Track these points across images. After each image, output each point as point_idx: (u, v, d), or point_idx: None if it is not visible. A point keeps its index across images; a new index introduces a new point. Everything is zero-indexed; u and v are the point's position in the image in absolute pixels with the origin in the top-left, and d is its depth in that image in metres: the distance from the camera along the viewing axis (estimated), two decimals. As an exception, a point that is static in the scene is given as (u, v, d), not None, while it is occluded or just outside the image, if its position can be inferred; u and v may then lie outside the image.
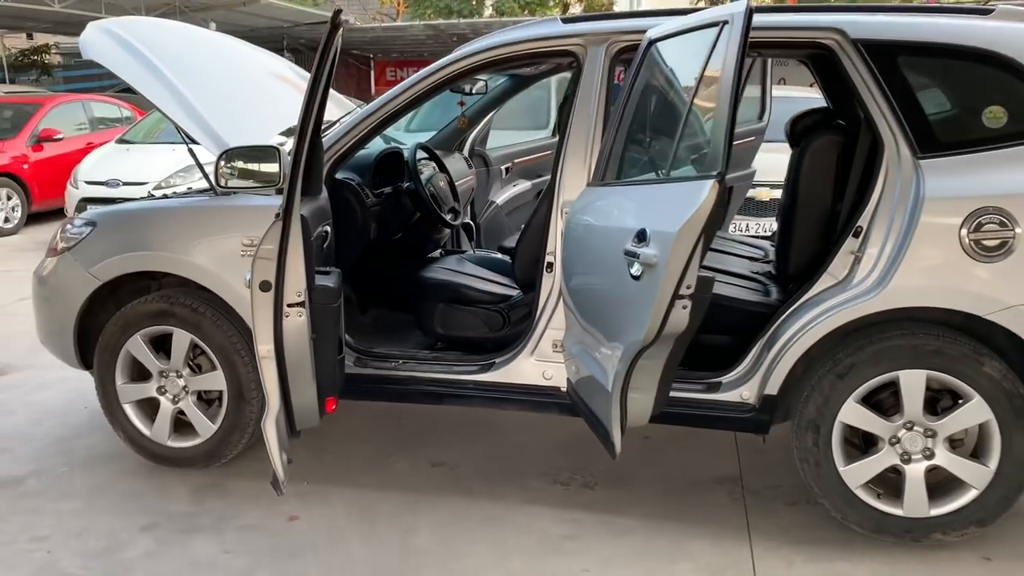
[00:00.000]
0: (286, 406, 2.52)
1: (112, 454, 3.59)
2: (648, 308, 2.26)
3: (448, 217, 3.90)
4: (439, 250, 4.14)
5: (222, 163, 2.85)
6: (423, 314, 3.44)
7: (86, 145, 9.94)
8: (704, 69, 2.41)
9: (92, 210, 3.61)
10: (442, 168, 4.06)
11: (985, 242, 2.63)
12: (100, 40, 3.47)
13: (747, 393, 2.95)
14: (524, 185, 4.99)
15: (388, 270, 3.72)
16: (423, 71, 3.19)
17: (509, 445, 3.69)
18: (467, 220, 4.38)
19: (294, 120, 3.36)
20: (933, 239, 2.69)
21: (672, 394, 2.98)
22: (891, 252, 2.73)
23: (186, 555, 2.87)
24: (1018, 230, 2.61)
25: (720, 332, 3.17)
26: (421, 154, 3.98)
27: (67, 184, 8.52)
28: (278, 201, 2.58)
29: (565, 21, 3.17)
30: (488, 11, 27.85)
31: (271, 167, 2.90)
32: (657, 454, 3.60)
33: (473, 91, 3.75)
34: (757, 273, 3.57)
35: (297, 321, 2.41)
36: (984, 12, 2.85)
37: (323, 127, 3.23)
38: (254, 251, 2.37)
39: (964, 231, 2.64)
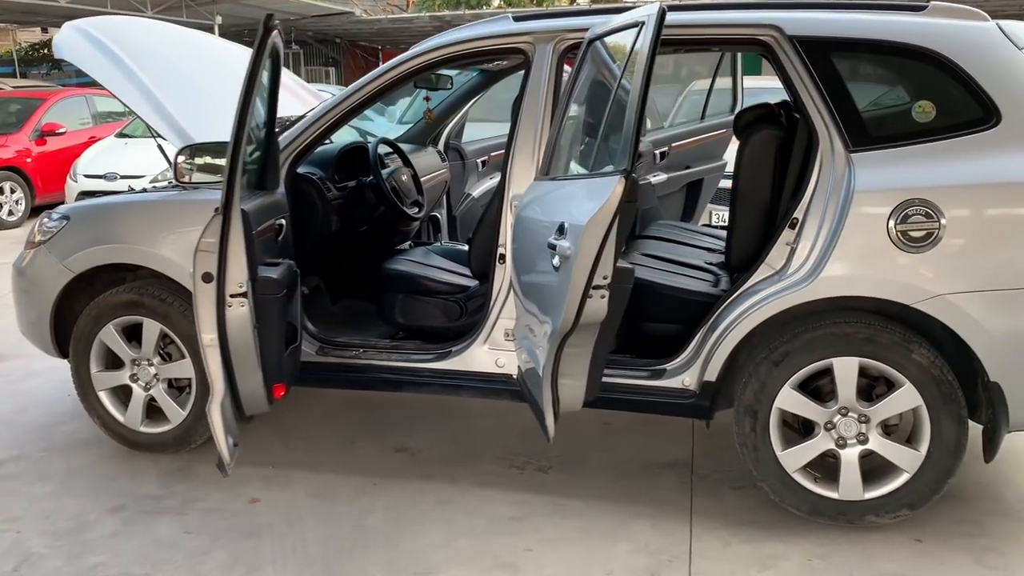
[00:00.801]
0: (232, 392, 2.65)
1: (90, 440, 3.73)
2: (565, 297, 2.36)
3: (412, 211, 4.01)
4: (408, 242, 4.25)
5: (181, 159, 2.97)
6: (384, 304, 3.56)
7: (89, 139, 10.11)
8: (624, 68, 2.50)
9: (67, 204, 3.74)
10: (407, 162, 4.17)
11: (912, 233, 2.71)
12: (73, 39, 3.60)
13: (688, 380, 3.05)
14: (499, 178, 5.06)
15: (355, 262, 3.83)
16: (378, 69, 3.30)
17: (472, 431, 3.81)
18: (435, 213, 4.47)
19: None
20: (862, 230, 2.77)
21: (618, 380, 3.11)
22: (823, 243, 2.82)
23: (148, 535, 3.00)
24: (943, 221, 2.69)
25: (669, 321, 3.27)
26: (386, 149, 4.09)
27: (67, 178, 8.69)
28: (257, 197, 2.71)
29: (516, 19, 3.26)
30: (496, 2, 27.92)
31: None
32: (614, 439, 3.71)
33: (437, 87, 3.84)
34: (711, 264, 3.66)
35: (240, 311, 2.53)
36: (918, 8, 2.92)
37: (292, 121, 3.35)
38: (195, 244, 2.50)
39: (892, 222, 2.73)
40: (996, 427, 2.83)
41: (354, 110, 3.31)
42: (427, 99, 4.34)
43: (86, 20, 3.81)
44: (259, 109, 2.88)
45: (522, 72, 3.20)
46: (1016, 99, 2.73)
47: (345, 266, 3.91)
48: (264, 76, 2.72)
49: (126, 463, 3.54)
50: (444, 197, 4.98)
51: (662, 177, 4.76)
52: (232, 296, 2.51)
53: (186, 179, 2.98)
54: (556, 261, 2.44)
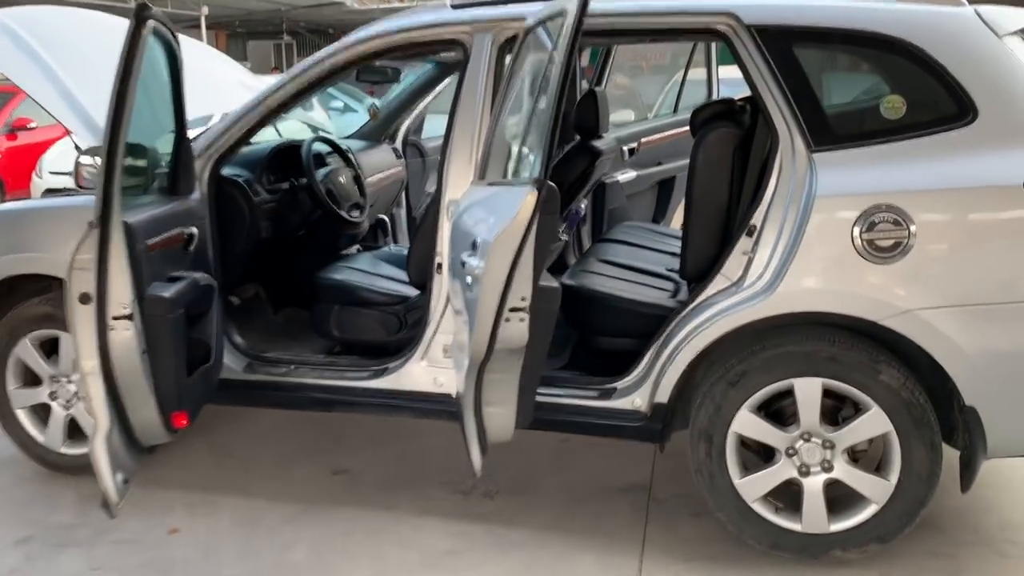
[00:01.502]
0: (123, 423, 2.40)
1: (9, 461, 3.49)
2: (476, 322, 2.11)
3: (353, 214, 3.75)
4: (356, 246, 3.99)
5: (83, 160, 2.72)
6: (318, 316, 3.31)
7: (62, 134, 9.84)
8: (547, 63, 2.24)
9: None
10: (348, 162, 3.91)
11: (879, 242, 2.46)
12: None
13: (639, 400, 2.80)
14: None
15: (295, 268, 3.58)
16: (303, 63, 3.05)
17: (420, 450, 3.56)
18: (391, 214, 4.21)
19: (203, 110, 3.24)
20: (824, 239, 2.52)
21: (563, 401, 2.87)
22: (782, 253, 2.56)
23: (51, 570, 2.76)
24: (913, 228, 2.43)
25: (622, 335, 3.03)
26: (324, 147, 3.83)
27: (32, 174, 8.44)
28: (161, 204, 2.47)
29: (455, 7, 3.00)
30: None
31: (137, 163, 2.76)
32: (570, 459, 3.45)
33: (383, 80, 3.59)
34: (674, 271, 3.40)
35: (124, 335, 2.28)
36: (887, -8, 2.66)
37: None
38: (68, 262, 2.24)
39: (857, 230, 2.47)
40: (973, 454, 2.58)
41: (279, 107, 3.06)
42: (371, 92, 4.08)
43: (5, 11, 3.56)
44: (162, 110, 2.63)
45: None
46: (994, 93, 2.47)
47: (285, 273, 3.67)
48: (163, 73, 2.47)
49: (44, 486, 3.30)
50: (403, 197, 4.73)
51: (631, 175, 4.49)
52: (115, 319, 2.26)
53: (89, 183, 2.72)
54: (468, 280, 2.19)
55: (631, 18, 2.75)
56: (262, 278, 3.75)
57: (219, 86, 3.84)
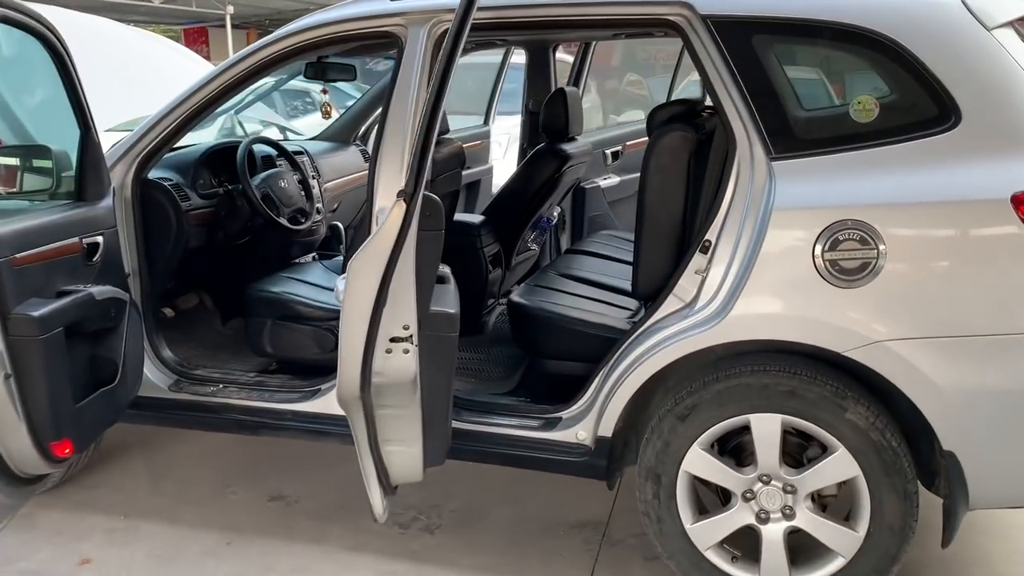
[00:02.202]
0: (-10, 454, 2.19)
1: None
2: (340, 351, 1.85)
3: (302, 221, 3.51)
4: (312, 255, 3.76)
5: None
6: (251, 331, 3.08)
7: None
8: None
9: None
10: (294, 165, 3.67)
11: (843, 263, 2.16)
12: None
13: (583, 433, 2.53)
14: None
15: (240, 278, 3.35)
16: (234, 57, 2.81)
17: (367, 474, 3.30)
18: (336, 223, 3.96)
19: (139, 110, 3.01)
20: (782, 258, 2.22)
21: (501, 431, 2.61)
22: (736, 273, 2.27)
23: (-58, 606, 2.57)
24: (883, 248, 2.13)
25: (571, 359, 2.75)
26: (266, 149, 3.59)
27: None
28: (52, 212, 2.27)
29: None
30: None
31: (43, 167, 2.55)
32: (526, 489, 3.18)
33: (334, 77, 3.34)
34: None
35: (-18, 359, 2.07)
36: (864, -19, 2.34)
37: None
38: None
39: (819, 249, 2.17)
40: (954, 505, 2.27)
41: (207, 105, 2.83)
42: (324, 91, 3.84)
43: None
44: (60, 111, 2.42)
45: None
46: (980, 94, 2.15)
47: (231, 282, 3.44)
48: (48, 71, 2.26)
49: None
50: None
51: (614, 180, 4.21)
52: (-31, 340, 2.05)
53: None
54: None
55: (578, 9, 2.47)
56: (208, 287, 3.53)
57: (173, 81, 3.62)
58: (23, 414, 2.17)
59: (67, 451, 2.32)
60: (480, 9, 2.40)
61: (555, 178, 3.45)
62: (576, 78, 4.25)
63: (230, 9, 17.13)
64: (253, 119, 5.58)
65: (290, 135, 5.09)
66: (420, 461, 2.16)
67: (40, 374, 2.16)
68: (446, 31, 2.54)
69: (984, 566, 2.69)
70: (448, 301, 2.07)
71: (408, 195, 1.78)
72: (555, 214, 3.80)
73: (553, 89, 3.71)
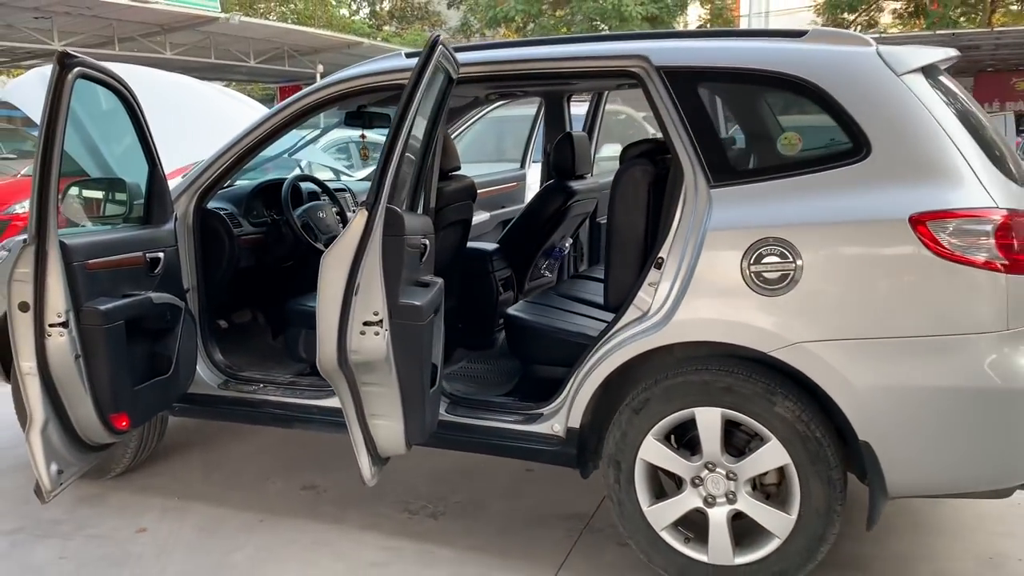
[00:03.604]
0: (62, 420, 2.70)
1: (28, 465, 3.87)
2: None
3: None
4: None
5: (70, 194, 3.07)
6: (289, 340, 3.57)
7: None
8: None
9: (14, 238, 3.95)
10: (333, 200, 4.20)
11: (766, 274, 2.50)
12: (28, 85, 3.83)
13: (557, 426, 2.90)
14: (483, 216, 5.03)
15: (285, 297, 3.87)
16: (275, 107, 3.35)
17: (389, 469, 3.67)
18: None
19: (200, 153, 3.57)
20: (715, 271, 2.58)
21: (491, 424, 3.00)
22: (680, 285, 2.63)
23: (25, 558, 3.08)
24: (800, 262, 2.47)
25: (552, 363, 3.14)
26: (311, 186, 4.13)
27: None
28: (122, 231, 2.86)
29: (409, 55, 3.24)
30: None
31: (120, 198, 3.11)
32: (527, 487, 3.56)
33: (370, 125, 3.85)
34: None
35: (59, 341, 2.59)
36: (797, 35, 2.72)
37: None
38: (9, 274, 2.58)
39: (745, 263, 2.52)
40: (873, 492, 2.55)
41: (253, 148, 3.35)
42: (363, 136, 4.37)
43: (50, 67, 4.05)
44: (133, 150, 2.98)
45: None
46: (888, 130, 2.49)
47: (279, 301, 3.95)
48: (122, 116, 2.82)
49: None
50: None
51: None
52: (51, 325, 2.58)
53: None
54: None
55: (551, 63, 2.92)
56: (261, 305, 4.06)
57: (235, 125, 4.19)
58: (88, 388, 2.69)
59: (124, 424, 2.83)
60: (472, 64, 2.89)
61: (562, 211, 3.87)
62: (591, 124, 4.69)
63: (320, 68, 18.29)
64: (323, 166, 6.23)
65: (343, 177, 5.67)
66: (403, 435, 2.57)
67: (103, 357, 2.68)
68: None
69: (929, 562, 2.92)
70: (419, 297, 2.49)
71: (369, 205, 2.24)
72: (567, 244, 4.21)
73: (570, 133, 4.14)
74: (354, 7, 30.64)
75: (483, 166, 5.57)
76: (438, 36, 2.44)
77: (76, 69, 2.55)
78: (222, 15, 14.48)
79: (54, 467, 2.68)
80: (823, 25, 23.87)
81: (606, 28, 22.12)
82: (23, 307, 2.54)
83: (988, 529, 3.13)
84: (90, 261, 2.68)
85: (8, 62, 19.14)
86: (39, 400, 2.59)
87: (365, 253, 2.26)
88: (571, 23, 22.51)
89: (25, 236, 2.67)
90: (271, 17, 25.26)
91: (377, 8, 31.08)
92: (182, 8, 13.78)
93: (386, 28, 29.76)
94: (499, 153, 6.23)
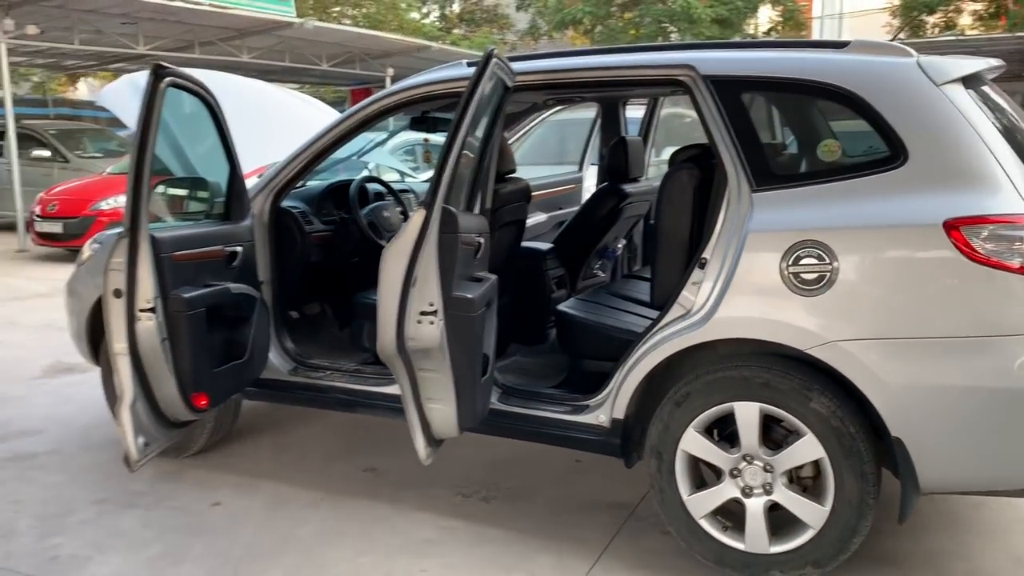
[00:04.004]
0: (149, 398, 2.96)
1: (118, 441, 4.16)
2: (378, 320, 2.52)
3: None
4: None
5: (158, 192, 3.35)
6: (355, 331, 3.79)
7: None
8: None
9: (104, 232, 4.28)
10: (398, 200, 4.42)
11: (804, 275, 2.62)
12: (121, 90, 4.14)
13: (602, 416, 3.05)
14: (540, 217, 5.21)
15: (353, 291, 4.10)
16: (344, 114, 3.58)
17: (445, 457, 3.89)
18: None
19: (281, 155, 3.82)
20: (755, 272, 2.70)
21: (541, 413, 3.17)
22: (721, 284, 2.76)
23: (112, 525, 3.36)
24: (836, 264, 2.58)
25: (600, 358, 3.29)
26: (377, 187, 4.36)
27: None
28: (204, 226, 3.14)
29: (469, 64, 3.43)
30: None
31: (202, 196, 3.38)
32: (575, 477, 3.72)
33: (434, 129, 4.06)
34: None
35: (147, 325, 2.84)
36: (840, 45, 2.83)
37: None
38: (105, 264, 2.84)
39: (784, 264, 2.64)
40: (905, 486, 2.64)
41: (325, 151, 3.58)
42: (426, 140, 4.58)
43: (140, 74, 4.35)
44: (215, 153, 3.24)
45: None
46: (926, 138, 2.58)
47: (347, 295, 4.19)
48: (207, 121, 3.08)
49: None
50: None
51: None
52: (141, 311, 2.83)
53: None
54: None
55: (602, 72, 3.08)
56: (330, 299, 4.30)
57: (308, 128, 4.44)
58: (172, 369, 2.94)
59: (203, 403, 3.08)
60: (528, 73, 3.06)
61: (614, 213, 4.02)
62: (646, 128, 4.82)
63: (390, 72, 18.66)
64: (390, 168, 6.50)
65: (407, 178, 5.91)
66: (455, 419, 2.76)
67: (186, 341, 2.93)
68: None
69: (965, 560, 2.99)
70: (472, 291, 2.67)
71: (427, 205, 2.43)
72: (620, 245, 4.35)
73: (624, 137, 4.29)
74: (424, 10, 31.06)
75: (543, 168, 5.75)
76: (492, 49, 2.63)
77: (167, 79, 2.81)
78: (297, 20, 14.91)
79: (141, 439, 2.95)
80: (900, 27, 23.46)
81: (675, 30, 22.07)
82: (117, 294, 2.80)
83: (1027, 531, 3.18)
84: (176, 253, 2.94)
85: (95, 65, 20.01)
86: (129, 378, 2.86)
87: (422, 249, 2.46)
88: (639, 25, 22.47)
89: (118, 229, 2.95)
90: (344, 21, 25.85)
91: (447, 11, 31.46)
92: (259, 13, 14.25)
93: (455, 31, 30.11)
94: (560, 156, 6.40)
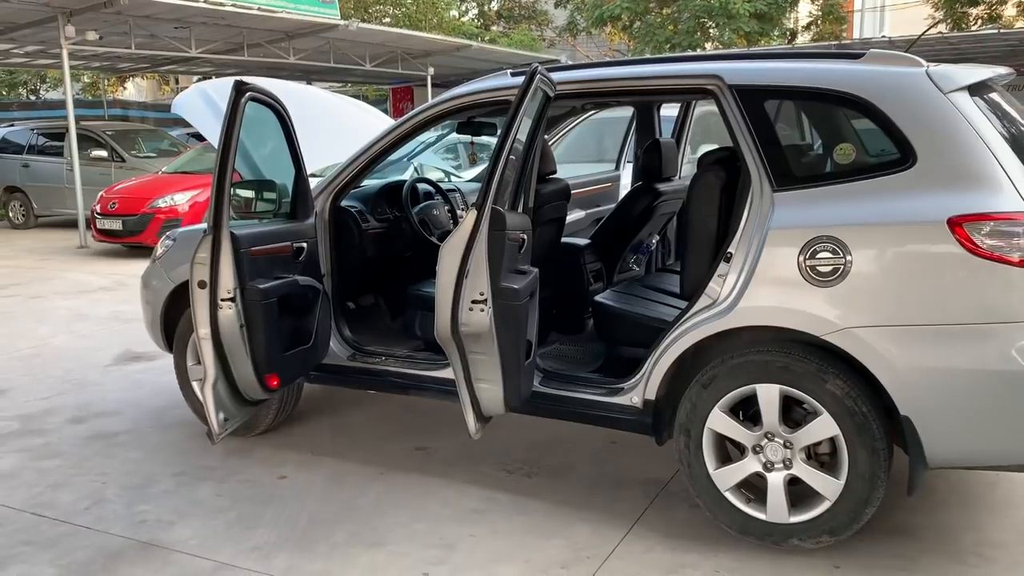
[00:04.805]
0: (228, 378, 3.30)
1: (186, 422, 4.55)
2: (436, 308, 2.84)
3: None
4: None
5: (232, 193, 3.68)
6: (408, 320, 4.11)
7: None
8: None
9: (177, 229, 4.64)
10: (445, 199, 4.73)
11: (820, 268, 2.87)
12: (193, 99, 4.50)
13: (636, 398, 3.33)
14: (578, 214, 5.49)
15: (405, 284, 4.42)
16: (399, 120, 3.89)
17: (490, 438, 4.18)
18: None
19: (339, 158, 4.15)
20: (775, 265, 2.95)
21: (578, 395, 3.45)
22: (745, 276, 3.02)
23: (190, 495, 3.72)
24: (850, 258, 2.83)
25: (635, 345, 3.57)
26: (426, 187, 4.68)
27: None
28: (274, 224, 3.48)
29: (513, 74, 3.71)
30: (711, 45, 27.93)
31: (271, 197, 3.71)
32: (611, 456, 4.00)
33: (479, 133, 4.35)
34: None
35: (228, 313, 3.17)
36: (856, 56, 3.07)
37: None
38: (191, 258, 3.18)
39: (802, 258, 2.89)
40: (913, 462, 2.88)
41: (380, 155, 3.90)
42: (472, 144, 4.88)
43: (209, 82, 4.72)
44: (283, 157, 3.57)
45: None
46: (932, 142, 2.82)
47: (399, 288, 4.51)
48: (277, 129, 3.42)
49: (203, 441, 4.28)
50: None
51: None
52: (222, 300, 3.17)
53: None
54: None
55: (635, 81, 3.35)
56: (382, 291, 4.63)
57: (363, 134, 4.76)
58: (249, 352, 3.28)
59: (275, 383, 3.42)
60: (568, 82, 3.34)
61: (648, 210, 4.28)
62: (679, 130, 5.08)
63: (431, 71, 19.04)
64: (435, 168, 6.85)
65: (453, 178, 6.23)
66: (502, 397, 3.05)
67: (262, 327, 3.27)
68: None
69: (975, 532, 3.22)
70: (517, 282, 2.96)
71: (478, 206, 2.73)
72: (654, 241, 4.61)
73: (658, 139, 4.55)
74: (463, 8, 31.42)
75: (584, 166, 6.02)
76: (536, 66, 2.91)
77: (248, 94, 3.14)
78: (342, 22, 15.33)
79: (221, 415, 3.29)
80: (942, 20, 23.25)
81: (713, 26, 22.12)
82: (201, 285, 3.14)
83: (1037, 508, 3.39)
84: (252, 248, 3.28)
85: (148, 67, 20.67)
86: (211, 360, 3.20)
87: (474, 245, 2.76)
88: (677, 21, 22.57)
89: (197, 227, 3.29)
90: (385, 20, 26.27)
91: (485, 8, 31.78)
92: (305, 16, 14.69)
93: (493, 28, 30.42)
94: (598, 154, 6.66)
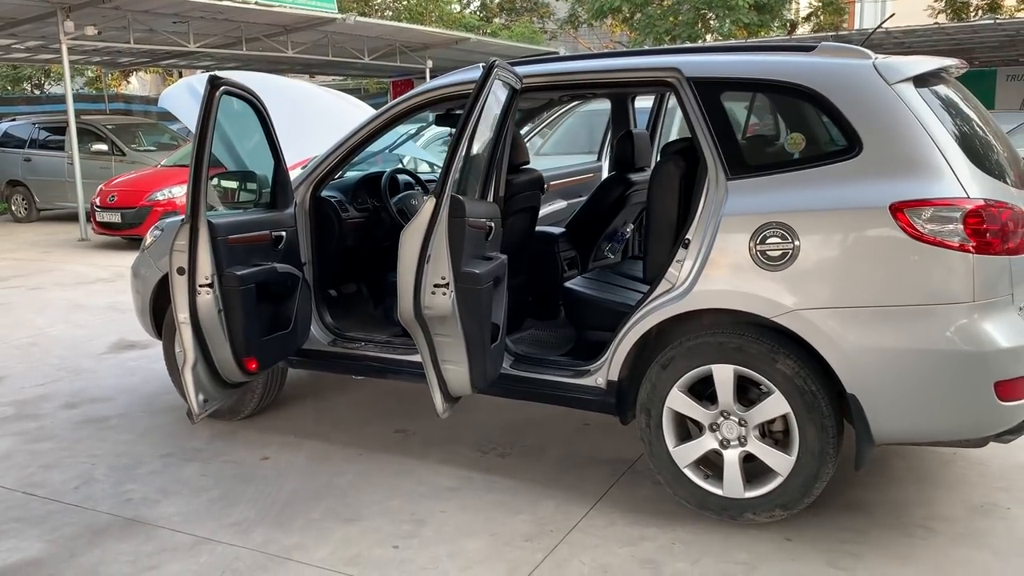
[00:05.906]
0: (207, 361, 3.44)
1: (176, 407, 4.70)
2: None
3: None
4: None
5: (213, 184, 3.82)
6: (388, 307, 4.24)
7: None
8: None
9: (164, 220, 4.78)
10: (425, 190, 4.86)
11: (770, 253, 3.00)
12: (180, 93, 4.63)
13: (600, 379, 3.46)
14: (559, 204, 5.62)
15: (385, 273, 4.55)
16: (376, 112, 4.02)
17: (467, 421, 4.36)
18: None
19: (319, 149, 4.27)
20: (728, 250, 3.08)
21: (547, 377, 3.59)
22: (700, 261, 3.15)
23: (176, 474, 3.86)
24: (798, 243, 2.95)
25: (601, 328, 3.70)
26: (406, 178, 4.80)
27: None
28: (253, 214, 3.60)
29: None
30: (711, 36, 27.96)
31: (250, 187, 3.85)
32: (581, 437, 4.14)
33: (452, 125, 4.47)
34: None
35: (206, 298, 3.31)
36: (808, 49, 3.18)
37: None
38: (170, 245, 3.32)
39: (752, 243, 3.02)
40: (860, 438, 3.01)
41: (359, 146, 4.03)
42: (450, 135, 4.98)
43: (196, 76, 4.85)
44: (262, 149, 3.70)
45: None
46: (877, 131, 2.94)
47: (380, 276, 4.65)
48: (254, 122, 3.55)
49: (190, 424, 4.44)
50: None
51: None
52: (200, 286, 3.30)
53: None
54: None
55: (596, 74, 3.47)
56: (365, 279, 4.76)
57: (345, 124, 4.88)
58: (227, 336, 3.42)
59: (253, 366, 3.56)
60: (536, 76, 3.46)
61: (622, 200, 4.41)
62: (653, 121, 5.20)
63: (429, 64, 19.16)
64: (422, 160, 6.98)
65: (437, 169, 6.36)
66: (468, 378, 3.19)
67: (239, 312, 3.40)
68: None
69: (925, 508, 3.35)
70: (479, 267, 3.08)
71: (436, 194, 2.86)
72: (628, 229, 4.74)
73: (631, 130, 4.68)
74: (464, 1, 31.49)
75: (565, 158, 6.14)
76: (495, 61, 3.03)
77: (222, 88, 3.28)
78: (339, 16, 15.44)
79: (201, 397, 3.44)
80: (943, 9, 23.26)
81: (713, 17, 22.18)
82: (180, 271, 3.28)
83: (987, 484, 3.52)
84: (230, 237, 3.41)
85: (148, 62, 20.81)
86: (191, 344, 3.34)
87: (434, 231, 2.89)
88: (677, 12, 22.62)
89: (181, 217, 3.42)
90: (386, 14, 26.37)
91: (487, 1, 31.84)
92: (303, 10, 14.81)
93: (495, 20, 30.48)
94: (583, 145, 6.78)
